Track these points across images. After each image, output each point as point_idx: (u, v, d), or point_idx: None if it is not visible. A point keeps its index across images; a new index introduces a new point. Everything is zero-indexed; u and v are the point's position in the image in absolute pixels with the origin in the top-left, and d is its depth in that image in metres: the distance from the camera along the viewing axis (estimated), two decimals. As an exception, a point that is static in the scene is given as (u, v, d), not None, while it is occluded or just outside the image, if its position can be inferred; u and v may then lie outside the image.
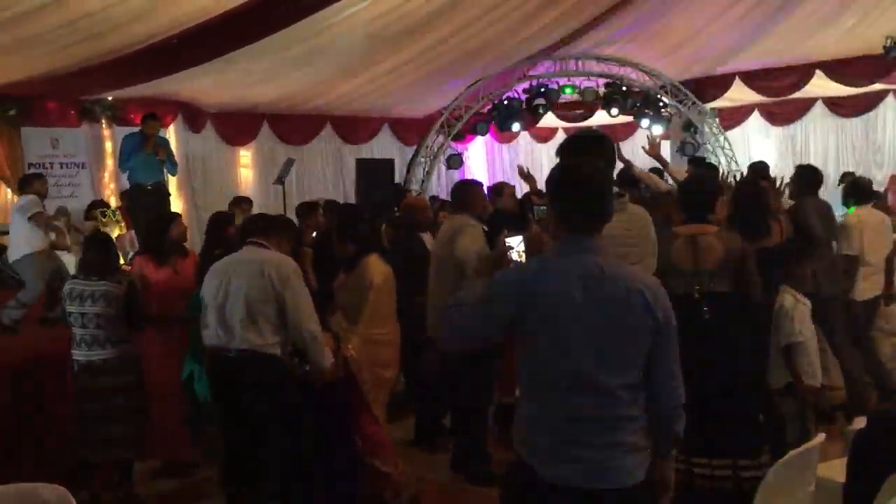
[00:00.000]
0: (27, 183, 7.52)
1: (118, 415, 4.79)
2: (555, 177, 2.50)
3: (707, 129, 13.10)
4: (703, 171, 7.40)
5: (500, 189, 6.92)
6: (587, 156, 3.01)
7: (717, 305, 4.05)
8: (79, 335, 4.80)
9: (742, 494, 3.99)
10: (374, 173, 13.23)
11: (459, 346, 2.68)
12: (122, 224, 8.61)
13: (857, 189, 6.46)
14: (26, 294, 6.93)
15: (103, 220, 8.52)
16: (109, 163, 10.64)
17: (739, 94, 13.72)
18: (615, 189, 3.26)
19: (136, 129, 8.88)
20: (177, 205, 11.49)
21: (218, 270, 4.22)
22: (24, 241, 7.06)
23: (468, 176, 15.36)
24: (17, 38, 7.50)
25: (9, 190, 10.24)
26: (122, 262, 7.87)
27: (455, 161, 13.53)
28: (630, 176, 6.08)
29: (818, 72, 12.68)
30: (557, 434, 2.35)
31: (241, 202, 8.11)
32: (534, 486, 2.37)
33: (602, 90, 12.87)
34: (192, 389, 4.83)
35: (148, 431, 5.03)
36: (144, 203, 8.19)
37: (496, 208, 6.37)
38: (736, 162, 12.74)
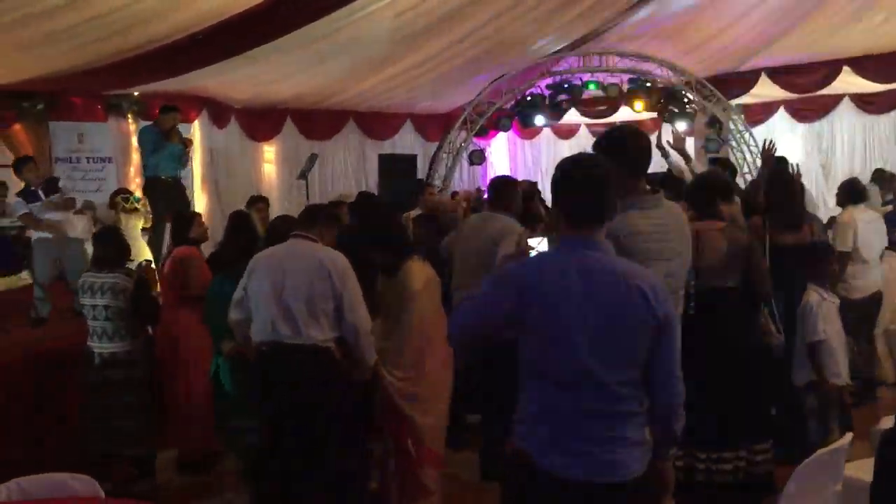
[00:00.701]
0: (17, 170, 7.50)
1: (121, 411, 4.83)
2: (556, 172, 2.52)
3: (732, 126, 12.98)
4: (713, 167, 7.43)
5: (533, 189, 6.88)
6: (606, 152, 3.03)
7: (713, 301, 4.06)
8: (91, 327, 4.88)
9: (747, 486, 4.03)
10: (396, 169, 13.27)
11: (463, 342, 2.65)
12: (150, 215, 8.59)
13: (851, 189, 6.54)
14: (36, 276, 6.98)
15: (126, 205, 8.46)
16: (135, 157, 10.70)
17: (765, 90, 13.57)
18: (647, 186, 3.24)
19: (150, 123, 8.94)
20: (200, 199, 11.61)
21: (269, 264, 4.09)
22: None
23: (490, 172, 15.35)
24: (43, 33, 7.58)
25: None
26: (150, 255, 7.97)
27: (477, 157, 13.52)
28: (671, 178, 6.03)
29: (846, 68, 12.48)
30: (558, 428, 2.36)
31: (257, 201, 8.02)
32: (534, 479, 2.38)
33: (626, 86, 12.80)
34: (219, 384, 4.85)
35: (172, 424, 5.08)
36: (163, 196, 8.21)
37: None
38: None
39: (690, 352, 3.95)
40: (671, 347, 2.45)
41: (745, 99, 13.88)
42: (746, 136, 13.01)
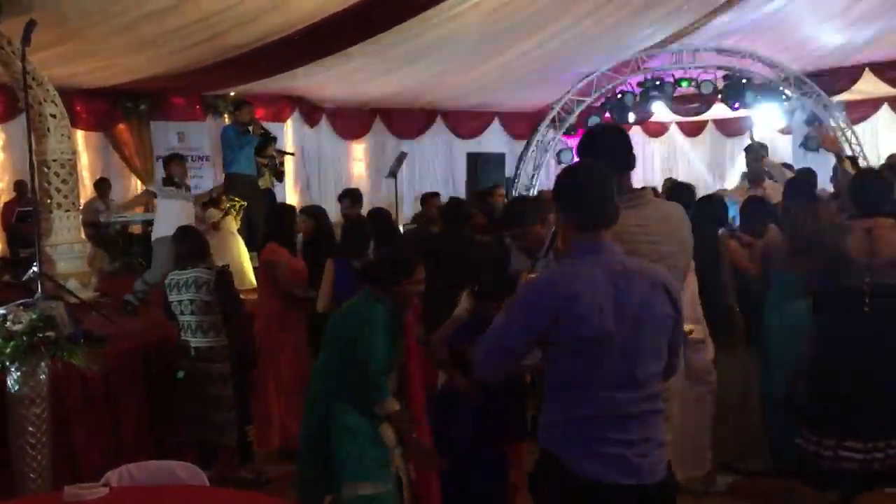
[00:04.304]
0: (167, 162, 7.47)
1: (214, 402, 4.95)
2: (558, 183, 2.54)
3: (833, 123, 12.48)
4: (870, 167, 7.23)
5: None
6: (589, 153, 2.92)
7: (886, 298, 3.93)
8: (181, 322, 5.02)
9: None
10: (484, 167, 13.27)
11: (495, 371, 2.61)
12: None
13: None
14: (149, 273, 7.11)
15: (231, 203, 8.61)
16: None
17: (869, 86, 13.02)
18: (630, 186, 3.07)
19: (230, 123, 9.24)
20: (291, 197, 11.87)
21: None
22: (160, 223, 7.27)
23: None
24: (146, 36, 7.90)
25: (139, 181, 10.81)
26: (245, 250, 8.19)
27: (566, 155, 13.38)
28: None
29: (957, 62, 11.92)
30: (591, 432, 2.37)
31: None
32: (565, 482, 2.39)
33: (720, 83, 12.46)
34: None
35: (268, 418, 5.21)
36: (243, 191, 8.43)
37: None
38: (864, 157, 12.09)
39: (868, 350, 3.92)
40: (680, 337, 2.55)
41: (846, 95, 13.31)
42: (848, 133, 12.49)
